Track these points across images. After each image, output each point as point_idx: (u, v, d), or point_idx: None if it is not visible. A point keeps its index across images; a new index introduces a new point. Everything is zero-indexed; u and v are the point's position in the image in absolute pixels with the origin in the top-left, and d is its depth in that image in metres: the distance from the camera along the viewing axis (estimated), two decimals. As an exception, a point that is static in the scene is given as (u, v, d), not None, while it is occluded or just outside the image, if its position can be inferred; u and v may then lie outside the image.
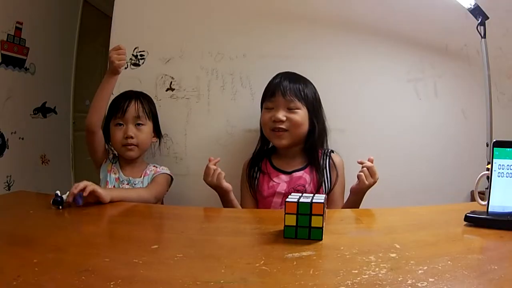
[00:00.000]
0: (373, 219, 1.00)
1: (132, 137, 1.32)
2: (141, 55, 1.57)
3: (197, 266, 0.61)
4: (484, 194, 0.94)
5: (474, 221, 0.82)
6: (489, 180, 0.84)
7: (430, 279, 0.55)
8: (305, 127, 1.30)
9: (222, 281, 0.55)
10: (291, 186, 1.30)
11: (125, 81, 1.54)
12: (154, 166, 1.40)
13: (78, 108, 2.86)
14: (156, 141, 1.46)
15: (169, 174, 1.39)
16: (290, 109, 1.28)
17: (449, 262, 0.61)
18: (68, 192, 1.00)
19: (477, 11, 1.32)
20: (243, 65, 1.54)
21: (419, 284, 0.53)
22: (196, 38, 1.55)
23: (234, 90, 1.55)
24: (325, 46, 1.55)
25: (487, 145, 1.30)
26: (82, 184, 1.00)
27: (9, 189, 2.06)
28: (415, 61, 1.55)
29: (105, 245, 0.74)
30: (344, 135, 1.50)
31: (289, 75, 1.33)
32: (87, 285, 0.53)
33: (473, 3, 1.32)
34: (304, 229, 0.73)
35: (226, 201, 1.25)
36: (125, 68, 1.56)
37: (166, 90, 1.56)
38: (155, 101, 1.48)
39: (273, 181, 1.31)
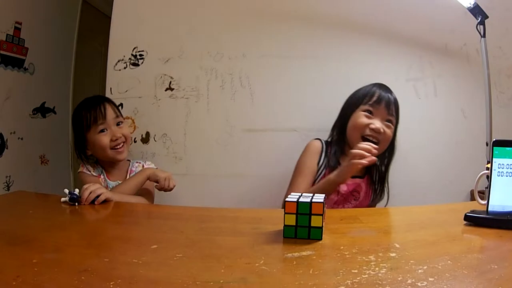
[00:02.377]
0: (373, 219, 0.99)
1: (119, 137, 1.31)
2: (140, 55, 1.56)
3: (197, 266, 0.61)
4: (484, 194, 0.94)
5: (474, 220, 0.82)
6: (489, 179, 0.84)
7: (430, 279, 0.55)
8: (388, 144, 1.30)
9: (221, 281, 0.55)
10: (350, 190, 1.29)
11: (125, 81, 1.54)
12: (137, 162, 1.41)
13: (77, 108, 2.85)
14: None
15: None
16: (387, 122, 1.27)
17: (449, 261, 0.61)
18: (77, 190, 1.03)
19: (476, 10, 1.32)
20: (243, 64, 1.54)
21: (419, 284, 0.53)
22: (196, 38, 1.55)
23: (233, 90, 1.55)
24: (325, 46, 1.55)
25: (487, 144, 1.30)
26: (98, 191, 1.04)
27: (8, 189, 2.06)
28: (414, 60, 1.55)
29: (105, 245, 0.74)
30: (344, 134, 1.50)
31: (388, 89, 1.33)
32: (87, 285, 0.53)
33: (472, 2, 1.32)
34: (303, 229, 0.73)
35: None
36: (124, 68, 1.57)
37: (165, 90, 1.56)
38: (154, 100, 1.48)
39: None
